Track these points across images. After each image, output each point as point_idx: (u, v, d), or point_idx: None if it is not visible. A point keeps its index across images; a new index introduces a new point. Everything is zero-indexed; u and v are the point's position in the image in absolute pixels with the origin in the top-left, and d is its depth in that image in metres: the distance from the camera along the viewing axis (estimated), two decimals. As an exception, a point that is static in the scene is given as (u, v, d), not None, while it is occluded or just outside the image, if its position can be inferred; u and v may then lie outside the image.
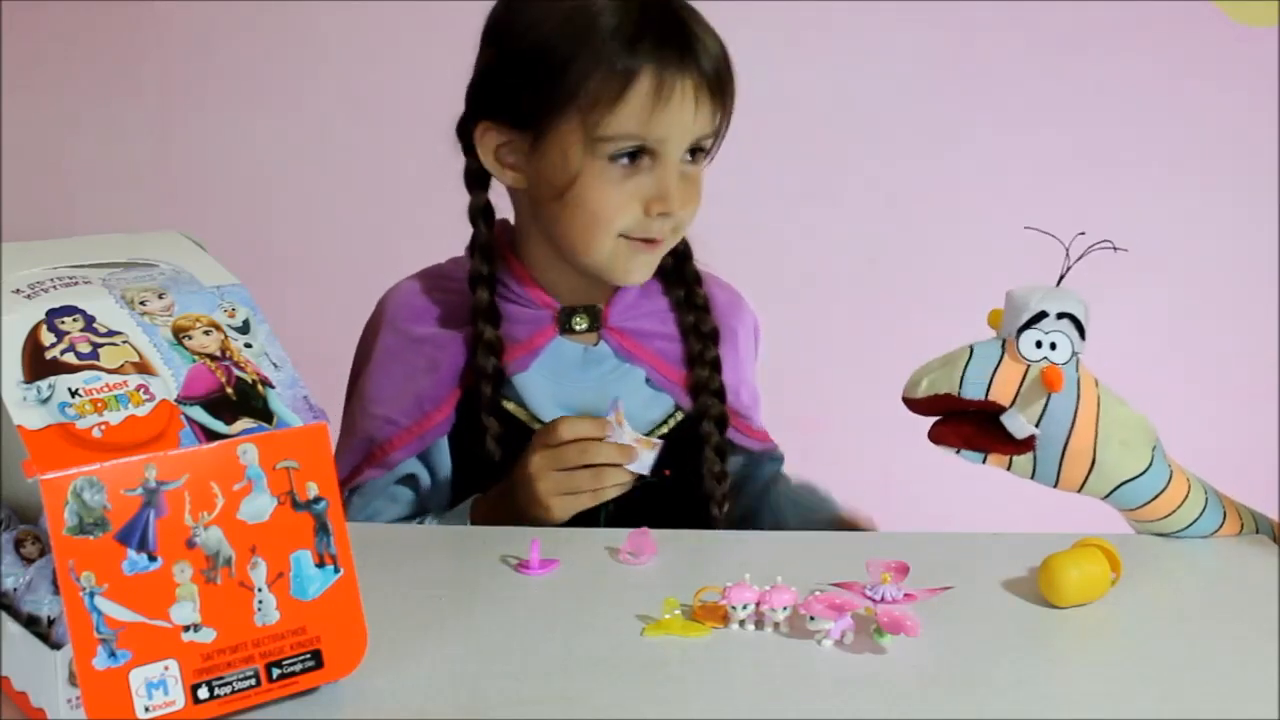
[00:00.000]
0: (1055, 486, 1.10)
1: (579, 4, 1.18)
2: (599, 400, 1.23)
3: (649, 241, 1.21)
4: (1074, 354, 1.06)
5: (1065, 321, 1.05)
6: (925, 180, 2.40)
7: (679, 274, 1.32)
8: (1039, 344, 1.05)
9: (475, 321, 1.25)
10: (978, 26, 2.37)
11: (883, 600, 0.96)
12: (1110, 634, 0.96)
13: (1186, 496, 1.11)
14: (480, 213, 1.27)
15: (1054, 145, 2.40)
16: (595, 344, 1.28)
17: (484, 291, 1.25)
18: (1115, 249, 1.04)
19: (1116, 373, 1.13)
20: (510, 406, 1.25)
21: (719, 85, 1.20)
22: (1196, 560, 1.11)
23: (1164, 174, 2.40)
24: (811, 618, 0.92)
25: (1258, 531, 1.15)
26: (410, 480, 1.29)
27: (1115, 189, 2.39)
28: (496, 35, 1.23)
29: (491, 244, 1.27)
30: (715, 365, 1.30)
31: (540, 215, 1.24)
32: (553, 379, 1.26)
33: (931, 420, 1.11)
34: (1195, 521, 1.12)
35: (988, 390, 1.06)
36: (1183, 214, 2.40)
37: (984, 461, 1.09)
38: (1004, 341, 1.07)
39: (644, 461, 1.18)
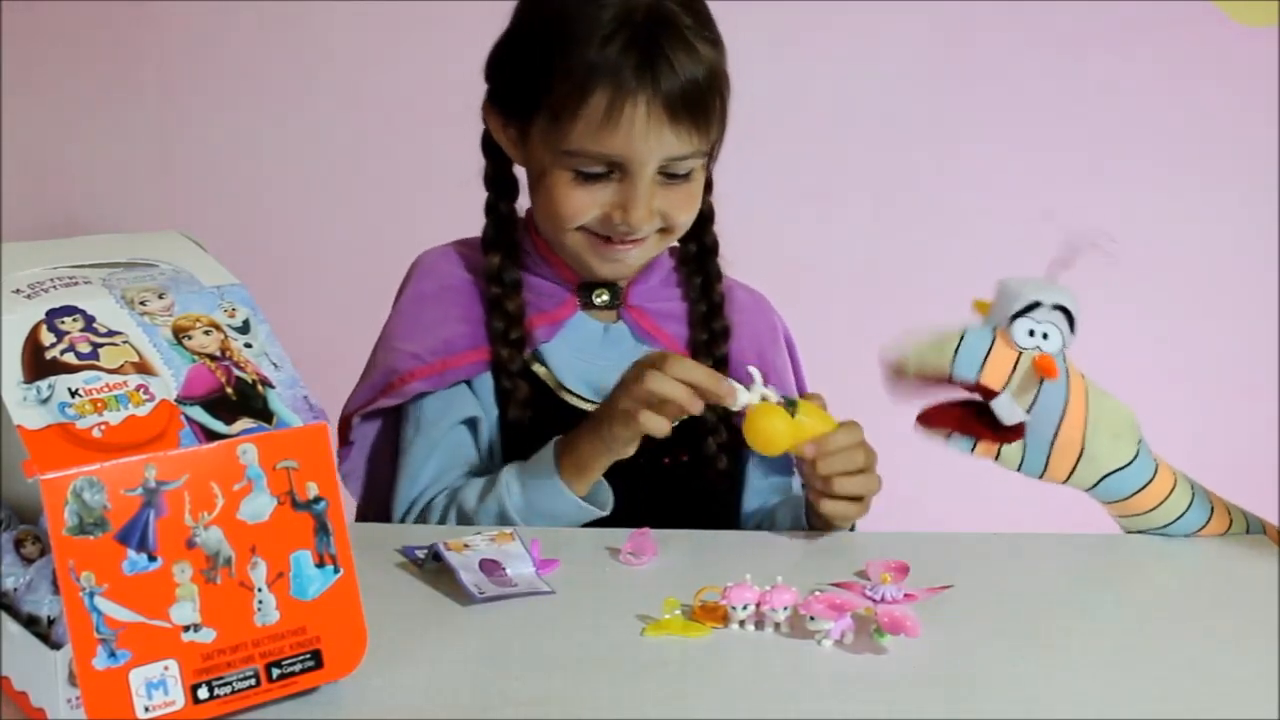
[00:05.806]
0: (1041, 477, 1.09)
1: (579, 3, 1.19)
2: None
3: (608, 241, 1.23)
4: (1064, 346, 1.06)
5: (1058, 313, 1.05)
6: (925, 180, 2.40)
7: (700, 267, 1.33)
8: (1031, 332, 1.05)
9: (491, 292, 1.27)
10: (977, 26, 2.37)
11: (883, 600, 0.96)
12: (1110, 634, 0.96)
13: (1172, 490, 1.11)
14: (489, 209, 1.31)
15: (1054, 145, 2.40)
16: (615, 321, 1.31)
17: (495, 287, 1.28)
18: (1108, 246, 1.04)
19: (1116, 372, 1.13)
20: (540, 370, 1.28)
21: (691, 106, 1.17)
22: (1196, 560, 1.11)
23: (1164, 174, 2.40)
24: (811, 618, 0.92)
25: (1248, 530, 1.14)
26: (469, 435, 1.28)
27: (1115, 188, 2.38)
28: (515, 14, 1.26)
29: (499, 240, 1.29)
30: (723, 361, 1.30)
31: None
32: (576, 353, 1.28)
33: (918, 406, 1.11)
34: (1181, 516, 1.12)
35: (979, 373, 1.05)
36: (1182, 214, 2.40)
37: (972, 450, 1.08)
38: (994, 328, 1.07)
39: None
